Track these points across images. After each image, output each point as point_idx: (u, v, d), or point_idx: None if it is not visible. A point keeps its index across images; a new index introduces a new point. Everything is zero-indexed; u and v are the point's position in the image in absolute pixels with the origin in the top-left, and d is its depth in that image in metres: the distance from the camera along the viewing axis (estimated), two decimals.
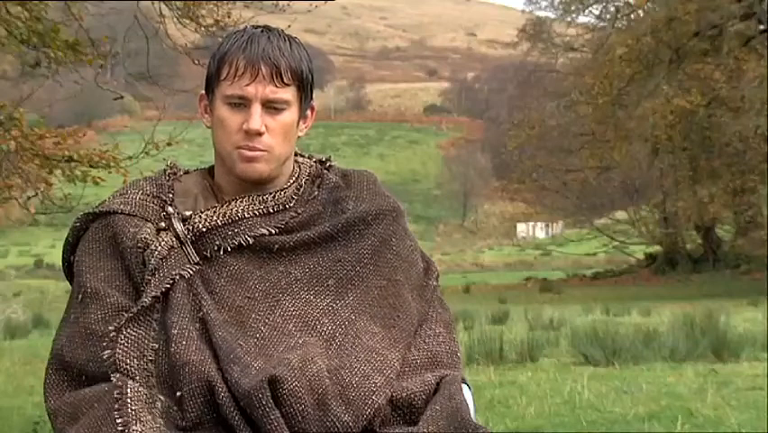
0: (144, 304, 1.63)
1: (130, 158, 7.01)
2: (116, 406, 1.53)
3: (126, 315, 1.62)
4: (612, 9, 31.01)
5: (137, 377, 1.58)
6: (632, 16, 30.65)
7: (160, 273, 1.66)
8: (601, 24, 31.76)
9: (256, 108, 1.69)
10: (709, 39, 26.75)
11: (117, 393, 1.55)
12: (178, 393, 1.57)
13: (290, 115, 1.72)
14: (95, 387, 1.59)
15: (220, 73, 1.71)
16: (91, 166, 6.84)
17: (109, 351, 1.60)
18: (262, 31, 1.74)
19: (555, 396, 6.35)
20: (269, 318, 1.66)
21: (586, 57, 33.39)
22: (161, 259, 1.67)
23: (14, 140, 6.62)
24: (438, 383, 1.69)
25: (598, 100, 27.99)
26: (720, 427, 5.17)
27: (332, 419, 1.55)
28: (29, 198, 7.15)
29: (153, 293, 1.64)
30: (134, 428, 1.51)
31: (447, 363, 1.75)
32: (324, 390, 1.56)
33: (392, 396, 1.63)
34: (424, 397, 1.65)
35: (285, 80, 1.70)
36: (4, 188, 6.73)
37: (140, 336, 1.62)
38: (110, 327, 1.62)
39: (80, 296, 1.68)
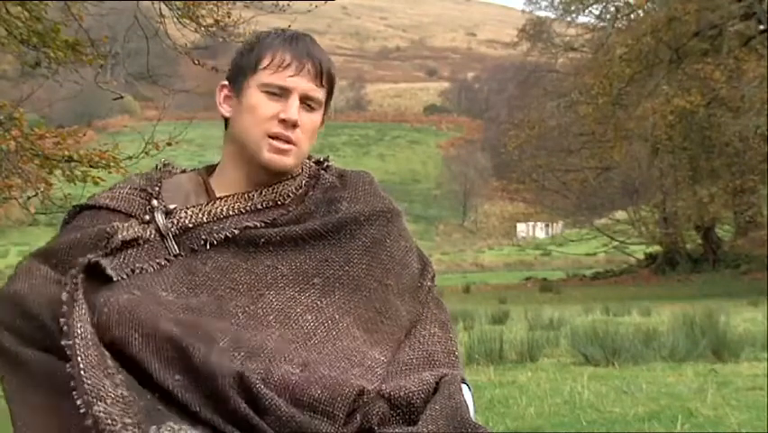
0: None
1: (130, 158, 7.01)
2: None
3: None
4: (612, 9, 31.08)
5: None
6: (632, 16, 30.71)
7: (121, 259, 1.64)
8: (601, 24, 31.81)
9: (294, 100, 1.72)
10: (709, 39, 26.80)
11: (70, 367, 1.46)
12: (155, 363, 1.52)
13: (318, 115, 1.78)
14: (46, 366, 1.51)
15: (260, 62, 1.73)
16: (91, 166, 6.85)
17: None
18: (300, 33, 1.79)
19: (555, 396, 6.34)
20: (249, 308, 1.65)
21: (586, 57, 33.42)
22: (124, 242, 1.66)
23: (14, 140, 6.62)
24: (437, 383, 1.67)
25: (598, 100, 28.02)
26: (720, 427, 5.17)
27: (310, 411, 1.50)
28: (29, 198, 7.15)
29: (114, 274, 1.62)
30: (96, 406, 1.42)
31: (444, 362, 1.73)
32: (299, 381, 1.52)
33: (390, 395, 1.61)
34: (422, 396, 1.63)
35: (323, 81, 1.75)
36: (4, 188, 6.73)
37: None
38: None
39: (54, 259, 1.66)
